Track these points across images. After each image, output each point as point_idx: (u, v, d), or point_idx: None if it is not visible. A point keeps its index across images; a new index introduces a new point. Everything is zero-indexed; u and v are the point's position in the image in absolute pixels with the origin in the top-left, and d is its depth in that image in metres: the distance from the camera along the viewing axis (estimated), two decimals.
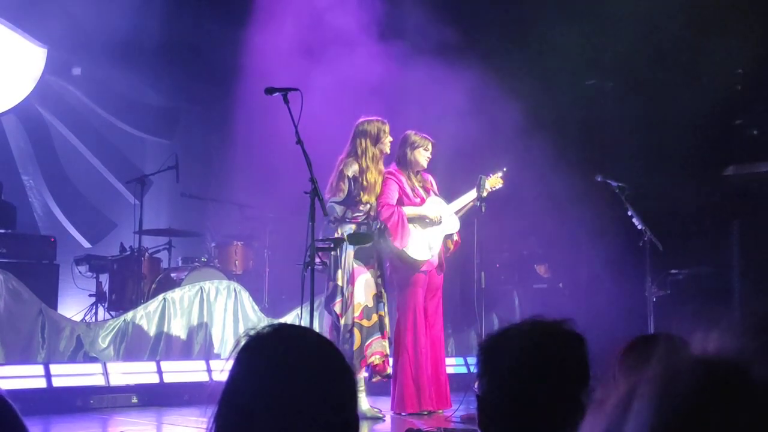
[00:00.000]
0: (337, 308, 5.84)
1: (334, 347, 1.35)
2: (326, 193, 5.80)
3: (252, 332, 1.32)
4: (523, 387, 1.54)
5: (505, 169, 6.42)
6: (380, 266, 6.02)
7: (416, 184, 6.16)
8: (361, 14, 8.28)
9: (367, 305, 5.82)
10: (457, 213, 6.23)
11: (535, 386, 1.54)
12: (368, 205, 5.94)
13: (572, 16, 8.24)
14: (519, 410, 1.55)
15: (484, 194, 6.21)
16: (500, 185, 6.37)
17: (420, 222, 6.05)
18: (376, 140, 5.90)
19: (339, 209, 5.88)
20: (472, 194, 6.18)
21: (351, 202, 5.89)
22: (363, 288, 5.84)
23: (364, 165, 5.86)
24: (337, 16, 8.36)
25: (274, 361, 1.28)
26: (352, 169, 5.85)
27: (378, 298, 5.92)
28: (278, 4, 8.71)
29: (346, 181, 5.85)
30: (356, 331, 5.80)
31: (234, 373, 1.30)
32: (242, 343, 1.31)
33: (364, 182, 5.83)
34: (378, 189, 5.91)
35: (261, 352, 1.29)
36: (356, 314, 5.81)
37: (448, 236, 6.20)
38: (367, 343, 5.80)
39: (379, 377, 5.99)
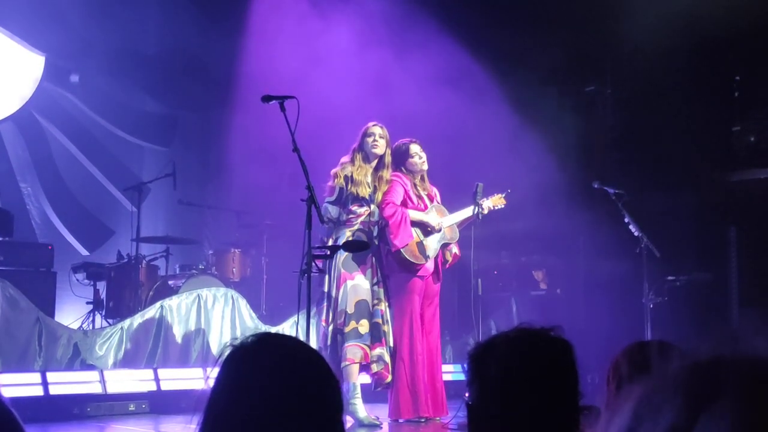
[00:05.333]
0: (323, 314, 5.86)
1: (318, 356, 1.34)
2: (325, 196, 5.95)
3: (236, 342, 1.32)
4: (510, 394, 1.54)
5: (509, 191, 6.44)
6: (379, 272, 6.01)
7: (421, 191, 6.19)
8: (359, 21, 8.30)
9: (347, 311, 5.81)
10: (458, 226, 6.24)
11: (522, 393, 1.53)
12: (364, 208, 5.98)
13: (572, 22, 8.26)
14: (508, 418, 1.55)
15: (485, 211, 6.23)
16: (502, 205, 6.39)
17: (420, 227, 6.07)
18: (361, 141, 6.06)
19: (333, 210, 5.94)
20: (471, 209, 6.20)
21: (343, 201, 5.96)
22: (347, 294, 5.84)
23: (356, 164, 6.01)
24: (335, 24, 8.38)
25: (257, 370, 1.27)
26: (345, 170, 5.98)
27: (367, 304, 5.88)
28: (275, 12, 8.73)
29: (339, 179, 5.97)
30: (339, 338, 5.81)
31: (218, 383, 1.30)
32: (226, 353, 1.31)
33: (355, 177, 5.97)
34: (370, 184, 6.00)
35: (244, 362, 1.29)
36: (340, 321, 5.81)
37: (446, 246, 6.20)
38: (343, 348, 5.80)
39: (380, 387, 5.99)
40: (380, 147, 6.03)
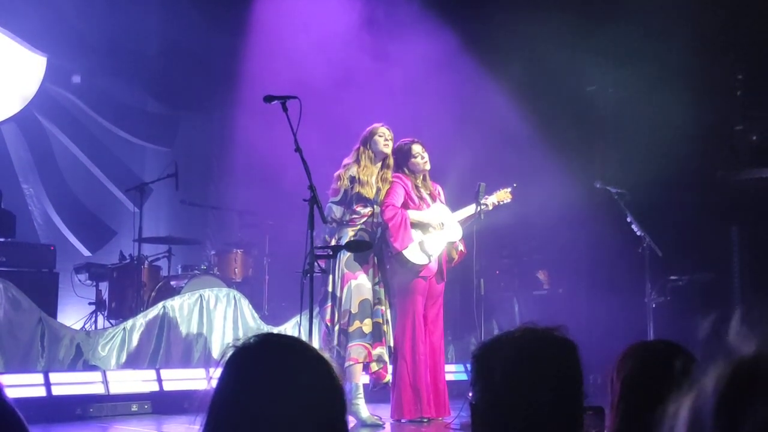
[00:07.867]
0: (327, 314, 5.86)
1: (321, 356, 1.33)
2: (329, 197, 5.96)
3: (239, 343, 1.31)
4: (515, 394, 1.53)
5: (515, 185, 6.42)
6: (381, 271, 6.00)
7: (423, 191, 6.17)
8: (360, 18, 8.29)
9: (351, 311, 5.81)
10: (462, 223, 6.22)
11: (526, 393, 1.53)
12: (368, 209, 5.97)
13: (573, 22, 8.24)
14: (512, 418, 1.54)
15: (490, 207, 6.22)
16: (508, 200, 6.37)
17: (422, 227, 6.05)
18: (368, 141, 6.03)
19: (337, 210, 5.94)
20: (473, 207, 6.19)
21: (347, 202, 5.95)
22: (351, 293, 5.84)
23: (361, 165, 5.98)
24: (337, 22, 8.38)
25: (260, 371, 1.27)
26: (350, 171, 5.96)
27: (370, 304, 5.88)
28: (277, 11, 8.73)
29: (343, 181, 5.94)
30: (342, 337, 5.81)
31: (221, 383, 1.29)
32: (229, 353, 1.30)
33: (361, 177, 5.95)
34: (374, 185, 5.97)
35: (247, 363, 1.28)
36: (343, 320, 5.81)
37: (451, 244, 6.18)
38: (346, 348, 5.80)
39: (378, 386, 5.98)
40: (390, 147, 6.05)
